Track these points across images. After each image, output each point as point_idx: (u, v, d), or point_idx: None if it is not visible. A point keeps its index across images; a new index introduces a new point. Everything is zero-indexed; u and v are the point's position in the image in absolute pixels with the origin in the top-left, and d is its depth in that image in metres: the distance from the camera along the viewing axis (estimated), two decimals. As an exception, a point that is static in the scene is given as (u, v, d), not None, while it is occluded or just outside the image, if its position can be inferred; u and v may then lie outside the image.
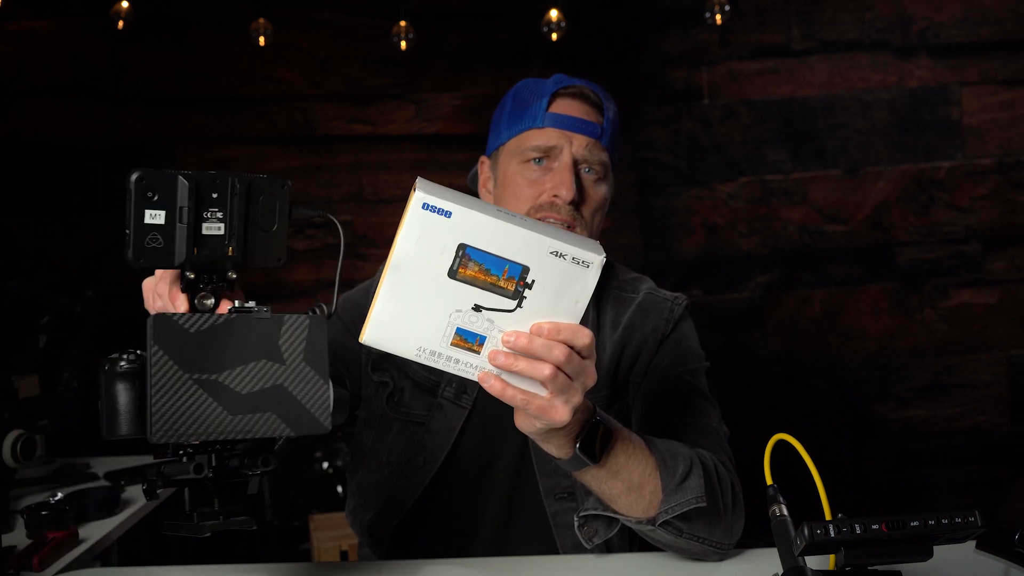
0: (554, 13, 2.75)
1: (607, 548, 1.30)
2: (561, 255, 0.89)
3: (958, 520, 0.87)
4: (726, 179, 3.10)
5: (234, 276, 0.93)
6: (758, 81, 3.08)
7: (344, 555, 2.38)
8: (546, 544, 1.34)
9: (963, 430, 3.07)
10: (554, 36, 2.77)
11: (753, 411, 2.88)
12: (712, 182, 3.10)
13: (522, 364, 0.92)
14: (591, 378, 0.96)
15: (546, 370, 0.92)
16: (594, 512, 1.18)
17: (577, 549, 1.31)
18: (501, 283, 0.90)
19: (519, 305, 0.91)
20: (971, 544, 1.17)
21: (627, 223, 3.13)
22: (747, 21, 3.06)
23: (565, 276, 0.90)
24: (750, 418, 2.57)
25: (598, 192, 1.35)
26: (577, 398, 0.95)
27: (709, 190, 3.10)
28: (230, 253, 0.91)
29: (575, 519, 1.22)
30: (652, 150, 3.12)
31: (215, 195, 0.89)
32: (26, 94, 3.04)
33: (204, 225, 0.89)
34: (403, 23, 2.79)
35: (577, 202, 1.32)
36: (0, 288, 2.23)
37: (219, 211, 0.90)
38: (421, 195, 0.87)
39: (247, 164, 3.08)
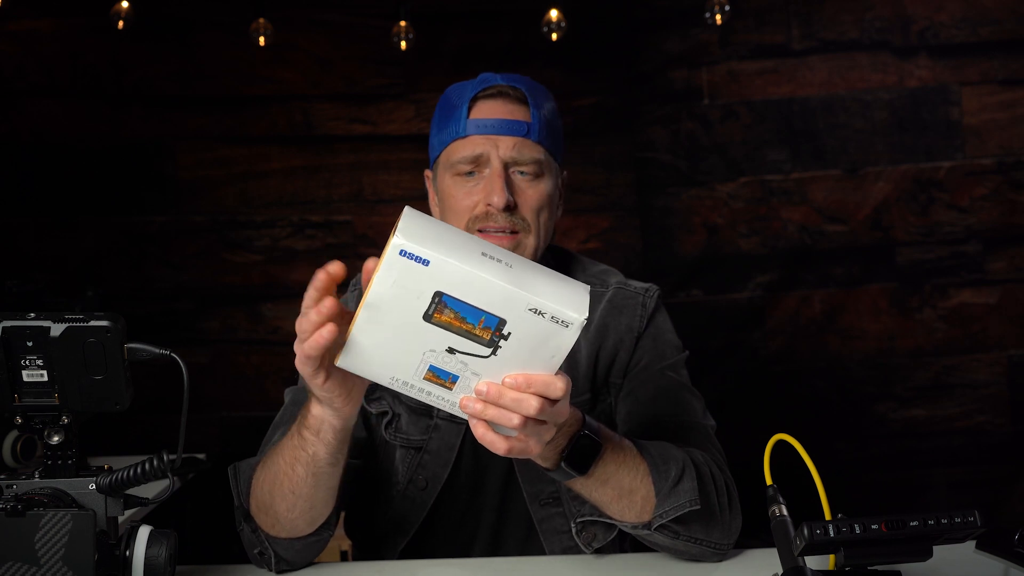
0: (554, 13, 2.75)
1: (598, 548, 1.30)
2: (540, 312, 0.87)
3: (958, 520, 0.87)
4: (726, 179, 3.09)
5: (67, 421, 0.90)
6: (758, 81, 3.07)
7: (344, 555, 2.37)
8: (536, 551, 1.35)
9: (963, 430, 3.07)
10: (554, 36, 2.77)
11: (753, 411, 2.88)
12: (712, 182, 3.10)
13: (492, 412, 0.91)
14: (563, 416, 0.96)
15: (515, 420, 0.91)
16: (591, 518, 1.18)
17: (566, 554, 1.31)
18: (476, 331, 0.88)
19: (494, 353, 0.90)
20: (971, 544, 1.17)
21: (627, 223, 3.13)
22: (747, 21, 3.05)
23: (543, 333, 0.88)
24: (750, 418, 2.57)
25: (536, 191, 1.31)
26: (549, 434, 0.96)
27: (709, 190, 3.10)
28: (56, 400, 0.89)
29: (572, 524, 1.22)
30: (652, 150, 3.12)
31: (30, 343, 0.87)
32: (26, 94, 3.03)
33: (24, 372, 0.88)
34: (403, 23, 2.80)
35: (513, 206, 1.28)
36: (0, 288, 2.23)
37: (39, 358, 0.87)
38: (400, 241, 0.85)
39: (247, 164, 3.08)
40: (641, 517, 1.12)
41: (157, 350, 0.93)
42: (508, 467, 1.35)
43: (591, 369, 1.36)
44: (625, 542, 1.38)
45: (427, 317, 0.88)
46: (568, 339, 0.89)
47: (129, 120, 3.06)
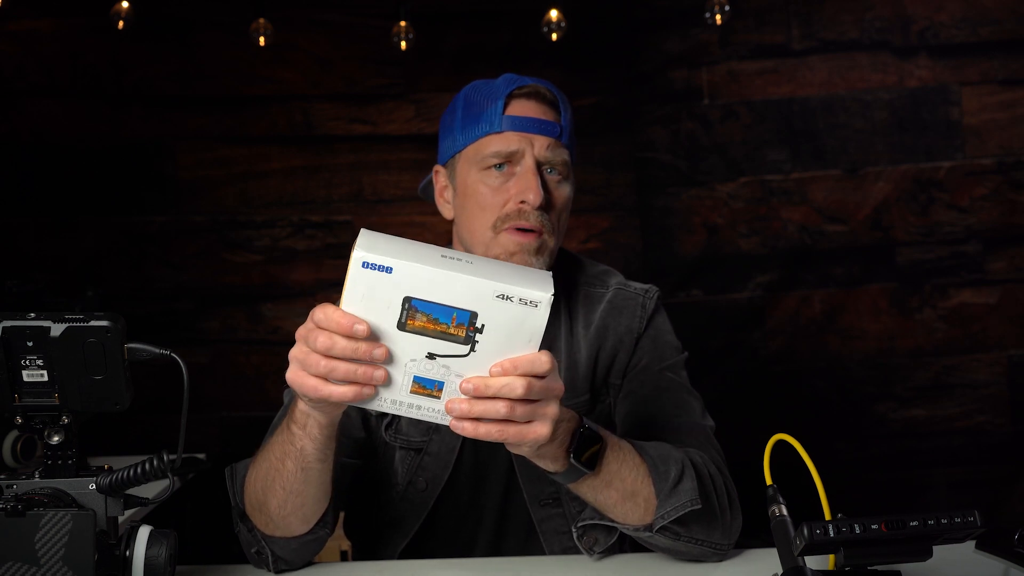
0: (554, 13, 2.75)
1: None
2: (508, 297, 0.89)
3: (957, 520, 0.87)
4: (726, 179, 3.09)
5: (67, 421, 0.91)
6: (758, 81, 3.07)
7: (344, 555, 2.37)
8: (536, 552, 1.35)
9: (963, 430, 3.07)
10: (554, 36, 2.77)
11: (753, 411, 2.88)
12: (712, 182, 3.10)
13: (478, 408, 0.92)
14: (558, 390, 0.96)
15: (501, 408, 0.92)
16: (592, 521, 1.18)
17: (566, 554, 1.30)
18: (451, 330, 0.90)
19: (472, 350, 0.91)
20: (971, 544, 1.17)
21: (627, 223, 3.13)
22: (747, 21, 3.05)
23: (514, 317, 0.90)
24: (750, 418, 2.57)
25: (563, 192, 1.32)
26: (552, 410, 0.95)
27: (709, 190, 3.10)
28: (56, 400, 0.89)
29: (574, 529, 1.22)
30: (652, 150, 3.12)
31: (30, 343, 0.87)
32: (26, 94, 3.03)
33: (24, 372, 0.88)
34: (403, 23, 2.80)
35: (544, 206, 1.28)
36: (0, 288, 2.22)
37: (39, 358, 0.88)
38: (360, 254, 0.87)
39: (247, 164, 3.09)
40: (644, 519, 1.12)
41: (157, 350, 0.93)
42: (508, 468, 1.35)
43: (590, 370, 1.36)
44: (625, 543, 1.38)
45: (401, 326, 0.89)
46: (540, 318, 0.90)
47: (129, 120, 3.06)
